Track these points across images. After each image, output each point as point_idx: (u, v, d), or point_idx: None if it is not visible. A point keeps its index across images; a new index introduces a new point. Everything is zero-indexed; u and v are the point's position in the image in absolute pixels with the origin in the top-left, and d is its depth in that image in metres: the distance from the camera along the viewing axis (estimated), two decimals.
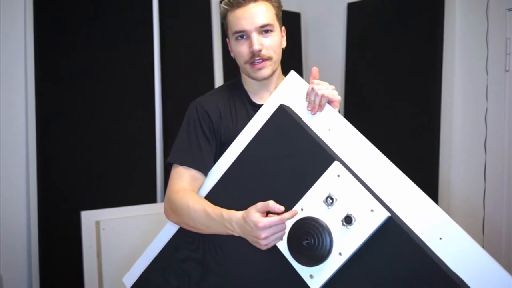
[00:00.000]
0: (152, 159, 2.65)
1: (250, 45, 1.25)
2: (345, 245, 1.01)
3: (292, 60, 3.06)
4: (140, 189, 2.59)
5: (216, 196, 1.24)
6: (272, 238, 1.07)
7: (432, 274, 0.93)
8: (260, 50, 1.25)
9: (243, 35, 1.26)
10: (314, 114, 1.14)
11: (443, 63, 2.61)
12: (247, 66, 1.29)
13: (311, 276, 1.05)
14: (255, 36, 1.24)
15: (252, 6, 1.24)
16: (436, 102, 2.62)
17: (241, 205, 1.15)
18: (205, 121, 1.31)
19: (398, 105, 2.80)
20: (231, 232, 1.14)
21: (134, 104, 2.59)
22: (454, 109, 2.63)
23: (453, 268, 0.92)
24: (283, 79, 1.38)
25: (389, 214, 0.98)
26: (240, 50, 1.27)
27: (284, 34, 1.34)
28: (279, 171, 1.13)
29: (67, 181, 2.35)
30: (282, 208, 1.07)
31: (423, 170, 2.64)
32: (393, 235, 0.97)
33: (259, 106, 1.31)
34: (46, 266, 2.27)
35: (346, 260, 1.01)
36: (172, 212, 1.26)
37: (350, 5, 3.07)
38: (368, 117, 2.92)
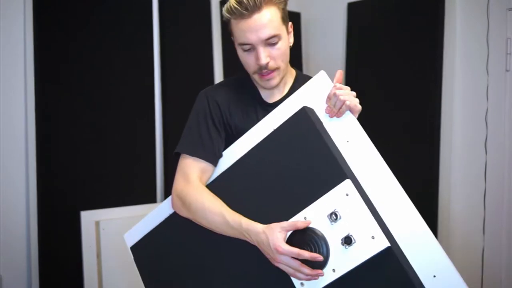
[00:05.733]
0: (152, 159, 2.65)
1: (257, 58, 1.20)
2: (340, 263, 1.01)
3: (292, 60, 3.05)
4: (140, 189, 2.59)
5: (219, 187, 1.22)
6: (284, 267, 1.05)
7: None
8: (267, 63, 1.21)
9: (249, 47, 1.21)
10: (331, 117, 1.12)
11: (443, 63, 2.60)
12: (255, 76, 1.26)
13: (302, 284, 1.05)
14: (261, 50, 1.19)
15: (256, 18, 1.16)
16: (436, 102, 2.61)
17: (245, 202, 1.15)
18: (215, 112, 1.28)
19: (398, 105, 2.79)
20: (246, 240, 1.12)
21: (134, 104, 2.58)
22: (454, 109, 2.63)
23: None
24: (291, 73, 1.36)
25: (389, 245, 0.98)
26: (247, 61, 1.24)
27: (291, 29, 1.29)
28: (290, 174, 1.12)
29: (67, 181, 2.35)
30: (309, 221, 1.04)
31: (424, 170, 2.63)
32: (388, 265, 0.98)
33: (268, 104, 1.30)
34: (45, 266, 2.27)
35: (338, 278, 1.01)
36: (185, 208, 1.23)
37: (350, 5, 3.07)
38: (368, 117, 2.91)
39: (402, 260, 0.97)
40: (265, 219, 1.10)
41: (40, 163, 2.27)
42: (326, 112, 1.13)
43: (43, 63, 2.28)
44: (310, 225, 1.05)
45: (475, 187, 2.55)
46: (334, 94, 1.10)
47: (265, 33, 1.18)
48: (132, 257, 1.40)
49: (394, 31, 2.82)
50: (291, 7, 3.20)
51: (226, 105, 1.29)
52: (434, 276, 0.95)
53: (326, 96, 1.13)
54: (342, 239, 1.01)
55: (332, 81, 1.15)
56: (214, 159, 1.25)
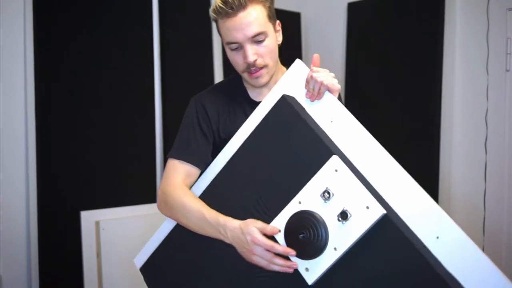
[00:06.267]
0: (152, 159, 2.65)
1: (244, 56, 1.22)
2: (340, 240, 1.01)
3: (292, 60, 3.05)
4: (140, 189, 2.59)
5: (214, 191, 1.24)
6: (259, 259, 1.08)
7: (426, 274, 0.92)
8: (255, 60, 1.22)
9: (237, 46, 1.22)
10: (312, 101, 1.13)
11: (443, 63, 2.60)
12: (244, 75, 1.28)
13: (306, 269, 1.05)
14: (248, 48, 1.21)
15: (242, 16, 1.18)
16: (436, 102, 2.61)
17: (242, 200, 1.15)
18: (203, 118, 1.32)
19: (398, 105, 2.79)
20: (222, 238, 1.15)
21: (134, 104, 2.58)
22: (454, 109, 2.63)
23: (448, 268, 0.91)
24: (282, 71, 1.37)
25: (385, 212, 0.97)
26: (235, 60, 1.26)
27: (279, 28, 1.30)
28: (280, 163, 1.13)
29: (67, 181, 2.35)
30: (277, 230, 1.07)
31: (424, 170, 2.63)
32: (388, 233, 0.97)
33: (258, 103, 1.31)
34: (46, 266, 2.27)
35: (341, 255, 1.01)
36: (167, 206, 1.27)
37: (350, 5, 3.07)
38: (368, 117, 2.92)
39: (402, 226, 0.96)
40: (264, 212, 1.12)
41: (40, 163, 2.27)
42: (306, 97, 1.14)
43: (43, 63, 2.28)
44: (306, 208, 1.05)
45: (475, 187, 2.55)
46: (311, 77, 1.12)
47: (251, 31, 1.19)
48: (142, 278, 1.41)
49: (394, 31, 2.82)
50: (291, 7, 3.21)
51: (214, 110, 1.32)
52: (437, 238, 0.93)
53: (304, 82, 1.15)
54: (338, 216, 1.01)
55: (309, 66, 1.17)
56: (199, 163, 1.29)
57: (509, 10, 2.43)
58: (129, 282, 2.44)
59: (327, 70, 1.15)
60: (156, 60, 2.68)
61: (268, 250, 1.06)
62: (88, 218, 2.38)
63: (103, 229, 2.41)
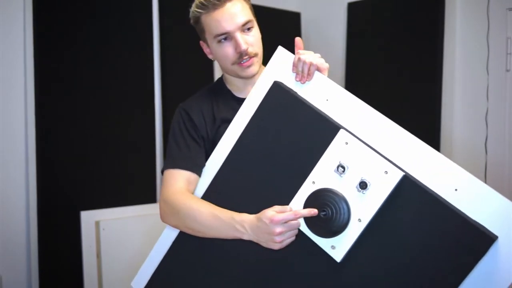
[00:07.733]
0: (152, 159, 2.65)
1: (236, 45, 1.21)
2: (363, 210, 1.00)
3: None
4: (140, 189, 2.59)
5: (219, 189, 1.20)
6: (287, 234, 1.05)
7: (455, 225, 0.93)
8: (247, 49, 1.22)
9: (226, 37, 1.22)
10: (304, 83, 1.13)
11: (443, 63, 2.60)
12: (235, 67, 1.26)
13: (332, 247, 1.03)
14: (239, 36, 1.21)
15: (229, 6, 1.20)
16: (436, 102, 2.61)
17: (248, 192, 1.13)
18: (190, 125, 1.30)
19: (398, 105, 2.79)
20: (239, 235, 1.10)
21: (134, 104, 2.59)
22: (454, 109, 2.63)
23: (473, 216, 0.92)
24: (263, 69, 1.36)
25: (404, 173, 0.98)
26: (226, 52, 1.24)
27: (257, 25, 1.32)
28: (284, 148, 1.12)
29: (67, 181, 2.35)
30: (299, 213, 1.05)
31: None
32: (410, 193, 0.97)
33: (243, 99, 1.29)
34: (45, 266, 2.27)
35: (367, 226, 1.00)
36: (172, 215, 1.21)
37: (350, 5, 3.07)
38: None
39: (421, 183, 0.97)
40: (276, 201, 1.09)
41: (40, 163, 2.27)
42: (297, 80, 1.14)
43: (43, 63, 2.28)
44: (323, 186, 1.04)
45: None
46: (299, 59, 1.13)
47: (241, 19, 1.21)
48: None
49: (394, 31, 2.82)
50: (291, 7, 3.20)
51: (199, 115, 1.30)
52: (456, 190, 0.95)
53: (291, 67, 1.16)
54: (356, 187, 1.01)
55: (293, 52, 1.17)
56: (196, 168, 1.26)
57: (509, 10, 2.43)
58: (129, 282, 2.44)
59: (312, 52, 1.16)
60: (156, 60, 2.68)
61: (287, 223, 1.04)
62: (88, 218, 2.39)
63: (103, 229, 2.41)
